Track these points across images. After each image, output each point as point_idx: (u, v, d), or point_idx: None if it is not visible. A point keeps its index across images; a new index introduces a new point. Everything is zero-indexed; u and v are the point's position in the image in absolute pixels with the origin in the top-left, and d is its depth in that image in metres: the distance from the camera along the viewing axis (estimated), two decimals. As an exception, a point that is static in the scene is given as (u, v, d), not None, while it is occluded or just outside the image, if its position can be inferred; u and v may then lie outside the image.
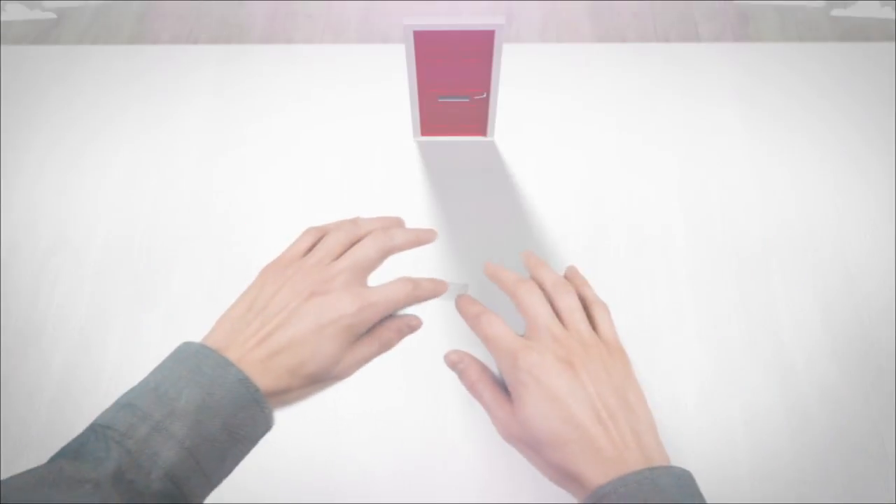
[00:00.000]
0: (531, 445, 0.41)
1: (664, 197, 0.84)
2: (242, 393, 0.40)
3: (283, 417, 0.69)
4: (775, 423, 0.69)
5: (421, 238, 0.53)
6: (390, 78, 0.95)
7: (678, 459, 0.68)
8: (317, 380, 0.44)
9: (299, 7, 1.08)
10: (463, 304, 0.50)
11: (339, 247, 0.50)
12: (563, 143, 0.89)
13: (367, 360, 0.47)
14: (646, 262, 0.79)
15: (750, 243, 0.81)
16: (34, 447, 0.68)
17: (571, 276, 0.55)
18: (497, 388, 0.46)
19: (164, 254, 0.81)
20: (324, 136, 0.90)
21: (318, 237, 0.53)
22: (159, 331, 0.75)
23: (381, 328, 0.48)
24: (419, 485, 0.66)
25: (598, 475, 0.38)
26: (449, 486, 0.66)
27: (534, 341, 0.44)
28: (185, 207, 0.84)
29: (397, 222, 0.54)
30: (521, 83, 0.94)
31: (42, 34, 1.04)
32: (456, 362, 0.49)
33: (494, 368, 0.48)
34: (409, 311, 0.51)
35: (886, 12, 1.05)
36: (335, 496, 0.65)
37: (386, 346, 0.48)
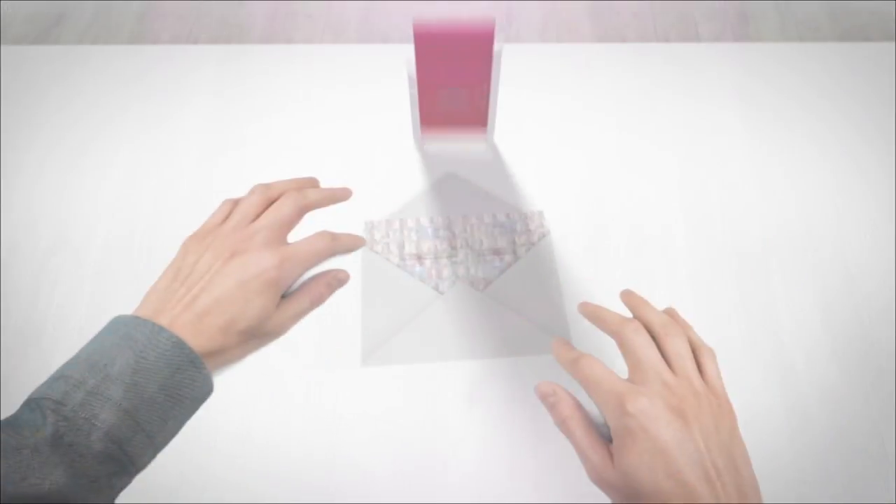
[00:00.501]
0: (627, 495, 0.39)
1: (664, 197, 0.84)
2: (177, 354, 0.41)
3: (282, 414, 0.70)
4: (775, 423, 0.69)
5: (336, 195, 0.55)
6: (390, 78, 0.95)
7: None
8: (251, 335, 0.44)
9: (299, 7, 1.08)
10: (559, 350, 0.48)
11: (254, 209, 0.52)
12: (563, 143, 0.89)
13: (300, 314, 0.48)
14: (646, 262, 0.79)
15: (750, 243, 0.81)
16: (34, 447, 0.68)
17: (674, 318, 0.52)
18: (592, 429, 0.43)
19: (164, 254, 0.80)
20: (324, 136, 0.90)
21: (234, 206, 0.55)
22: (159, 331, 0.75)
23: (310, 283, 0.50)
24: (419, 485, 0.66)
25: None
26: (449, 486, 0.66)
27: (641, 385, 0.41)
28: (185, 207, 0.84)
29: (311, 182, 0.56)
30: (521, 83, 0.94)
31: (42, 34, 1.04)
32: (547, 394, 0.46)
33: (589, 406, 0.45)
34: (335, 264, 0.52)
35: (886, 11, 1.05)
36: (335, 496, 0.65)
37: (317, 301, 0.50)
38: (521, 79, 0.95)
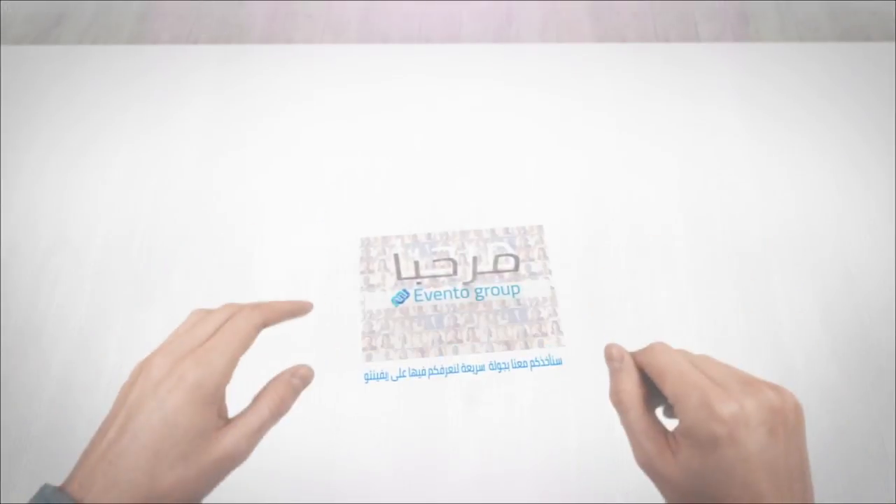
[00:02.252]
0: (684, 492, 0.36)
1: (664, 197, 0.84)
2: None
3: (284, 418, 0.70)
4: (775, 423, 0.69)
5: (296, 309, 0.47)
6: (390, 78, 0.95)
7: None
8: (195, 468, 0.36)
9: (299, 7, 1.08)
10: (614, 346, 0.42)
11: (197, 333, 0.43)
12: (563, 143, 0.89)
13: (260, 429, 0.40)
14: (646, 262, 0.79)
15: (750, 243, 0.81)
16: (34, 447, 0.68)
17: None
18: (650, 413, 0.40)
19: (164, 254, 0.80)
20: (324, 136, 0.90)
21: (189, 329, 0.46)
22: (159, 331, 0.75)
23: (266, 388, 0.42)
24: (419, 485, 0.66)
25: None
26: (449, 486, 0.66)
27: (723, 388, 0.37)
28: (185, 207, 0.84)
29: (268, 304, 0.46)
30: (521, 83, 0.94)
31: (42, 34, 1.04)
32: (614, 358, 0.42)
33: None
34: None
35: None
36: (335, 496, 0.65)
37: (279, 407, 0.42)
38: (521, 79, 0.95)
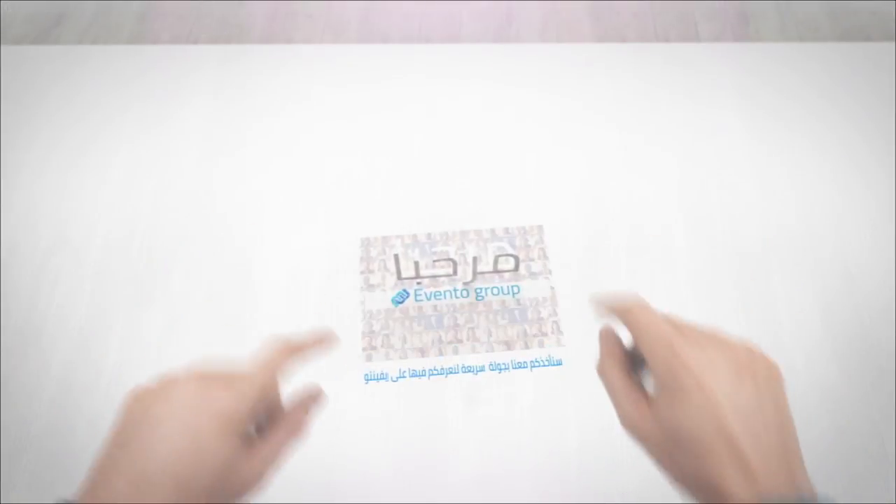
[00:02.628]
0: (664, 447, 0.37)
1: (664, 197, 0.84)
2: None
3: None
4: (775, 423, 0.69)
5: (322, 340, 0.47)
6: (390, 78, 0.95)
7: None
8: (217, 496, 0.36)
9: (299, 7, 1.08)
10: (602, 296, 0.43)
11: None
12: (563, 143, 0.89)
13: (277, 454, 0.39)
14: (646, 263, 0.79)
15: (750, 243, 0.81)
16: (34, 447, 0.68)
17: None
18: (630, 375, 0.41)
19: (164, 254, 0.80)
20: (324, 136, 0.90)
21: None
22: (159, 331, 0.75)
23: (283, 413, 0.42)
24: (419, 485, 0.66)
25: (741, 492, 0.34)
26: (449, 486, 0.66)
27: (693, 340, 0.38)
28: (185, 207, 0.84)
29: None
30: (521, 83, 0.94)
31: (42, 34, 1.04)
32: (601, 332, 0.43)
33: None
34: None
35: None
36: (335, 496, 0.65)
37: (296, 431, 0.41)
38: (521, 79, 0.95)
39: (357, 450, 0.68)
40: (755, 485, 0.34)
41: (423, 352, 0.74)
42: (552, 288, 0.78)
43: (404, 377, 0.72)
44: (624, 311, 0.42)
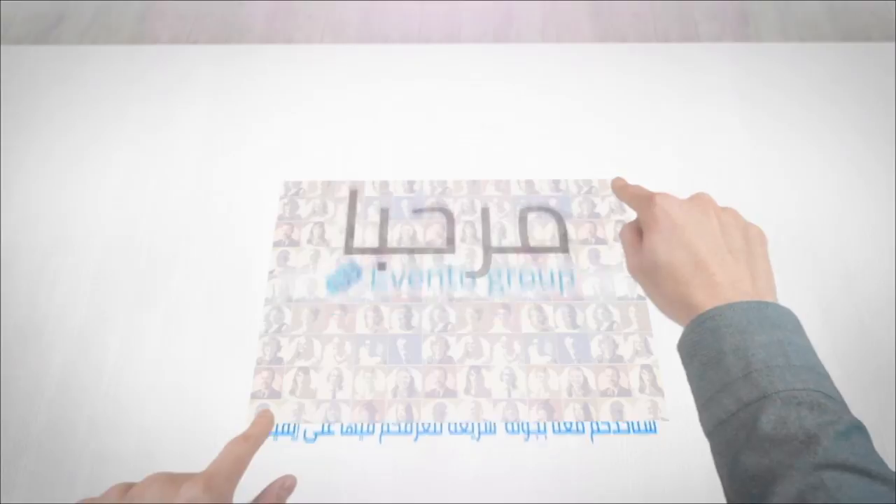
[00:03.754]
0: (651, 275, 0.43)
1: (664, 197, 0.84)
2: None
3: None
4: (775, 423, 0.69)
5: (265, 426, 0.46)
6: (390, 78, 0.95)
7: (680, 459, 0.68)
8: None
9: (299, 7, 1.08)
10: (617, 181, 0.50)
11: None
12: (563, 143, 0.89)
13: None
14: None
15: (750, 243, 0.81)
16: (34, 447, 0.68)
17: None
18: (635, 228, 0.47)
19: (164, 254, 0.80)
20: (324, 136, 0.90)
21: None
22: (159, 331, 0.75)
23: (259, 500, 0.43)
24: (419, 485, 0.66)
25: (706, 301, 0.39)
26: (449, 486, 0.66)
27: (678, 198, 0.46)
28: (185, 207, 0.84)
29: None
30: (521, 83, 0.94)
31: (42, 34, 1.04)
32: (617, 182, 0.50)
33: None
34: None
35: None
36: (335, 496, 0.65)
37: None
38: (521, 79, 0.95)
39: (357, 450, 0.68)
40: (719, 295, 0.39)
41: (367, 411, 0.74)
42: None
43: (405, 373, 0.72)
44: (621, 189, 0.49)
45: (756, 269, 0.42)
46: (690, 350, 0.39)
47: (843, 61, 0.96)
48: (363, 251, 0.79)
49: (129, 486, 0.39)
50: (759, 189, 0.85)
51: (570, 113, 0.92)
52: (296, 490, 0.63)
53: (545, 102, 0.93)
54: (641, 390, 0.70)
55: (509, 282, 0.76)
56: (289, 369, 0.72)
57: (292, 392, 0.71)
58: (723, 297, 0.39)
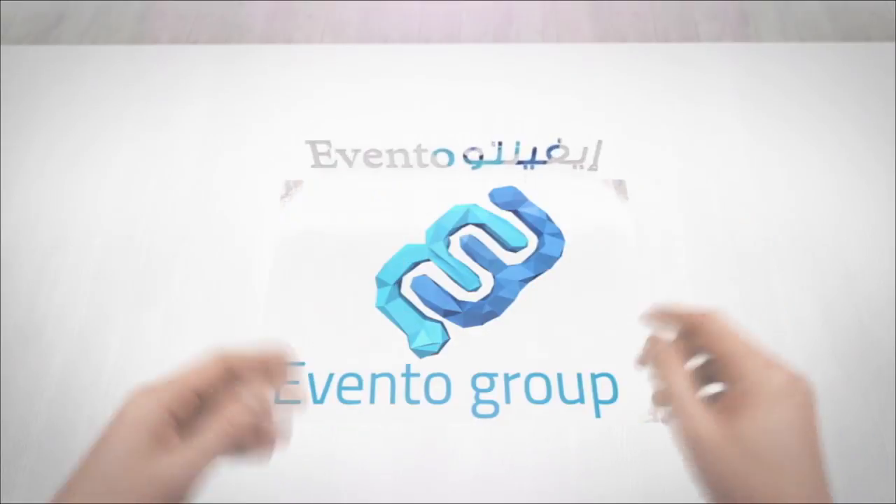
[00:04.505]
0: (734, 460, 0.36)
1: (664, 197, 0.84)
2: None
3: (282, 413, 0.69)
4: (775, 423, 0.69)
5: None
6: (390, 78, 0.95)
7: (680, 459, 0.68)
8: None
9: (299, 7, 1.08)
10: (676, 308, 0.43)
11: None
12: (563, 143, 0.89)
13: (203, 456, 0.35)
14: (646, 263, 0.79)
15: (750, 243, 0.81)
16: (34, 447, 0.68)
17: None
18: (694, 385, 0.39)
19: (164, 254, 0.81)
20: (323, 137, 0.90)
21: None
22: (159, 331, 0.75)
23: (216, 420, 0.37)
24: (419, 485, 0.66)
25: None
26: (449, 486, 0.66)
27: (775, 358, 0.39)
28: (185, 207, 0.84)
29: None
30: (521, 83, 0.94)
31: (42, 34, 1.04)
32: (652, 347, 0.41)
33: None
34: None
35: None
36: (335, 496, 0.65)
37: (226, 433, 0.36)
38: (521, 79, 0.95)
39: (357, 450, 0.68)
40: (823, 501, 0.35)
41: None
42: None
43: (405, 373, 0.72)
44: (704, 318, 0.41)
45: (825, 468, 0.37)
46: None
47: (842, 61, 0.96)
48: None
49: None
50: (759, 189, 0.85)
51: (570, 113, 0.92)
52: (296, 490, 0.63)
53: (545, 102, 0.93)
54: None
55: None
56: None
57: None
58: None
